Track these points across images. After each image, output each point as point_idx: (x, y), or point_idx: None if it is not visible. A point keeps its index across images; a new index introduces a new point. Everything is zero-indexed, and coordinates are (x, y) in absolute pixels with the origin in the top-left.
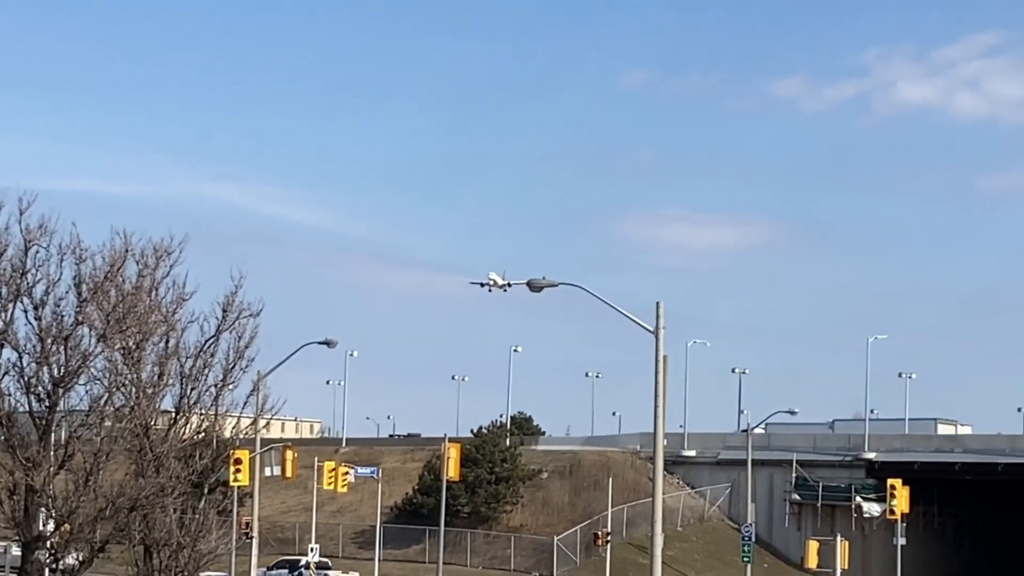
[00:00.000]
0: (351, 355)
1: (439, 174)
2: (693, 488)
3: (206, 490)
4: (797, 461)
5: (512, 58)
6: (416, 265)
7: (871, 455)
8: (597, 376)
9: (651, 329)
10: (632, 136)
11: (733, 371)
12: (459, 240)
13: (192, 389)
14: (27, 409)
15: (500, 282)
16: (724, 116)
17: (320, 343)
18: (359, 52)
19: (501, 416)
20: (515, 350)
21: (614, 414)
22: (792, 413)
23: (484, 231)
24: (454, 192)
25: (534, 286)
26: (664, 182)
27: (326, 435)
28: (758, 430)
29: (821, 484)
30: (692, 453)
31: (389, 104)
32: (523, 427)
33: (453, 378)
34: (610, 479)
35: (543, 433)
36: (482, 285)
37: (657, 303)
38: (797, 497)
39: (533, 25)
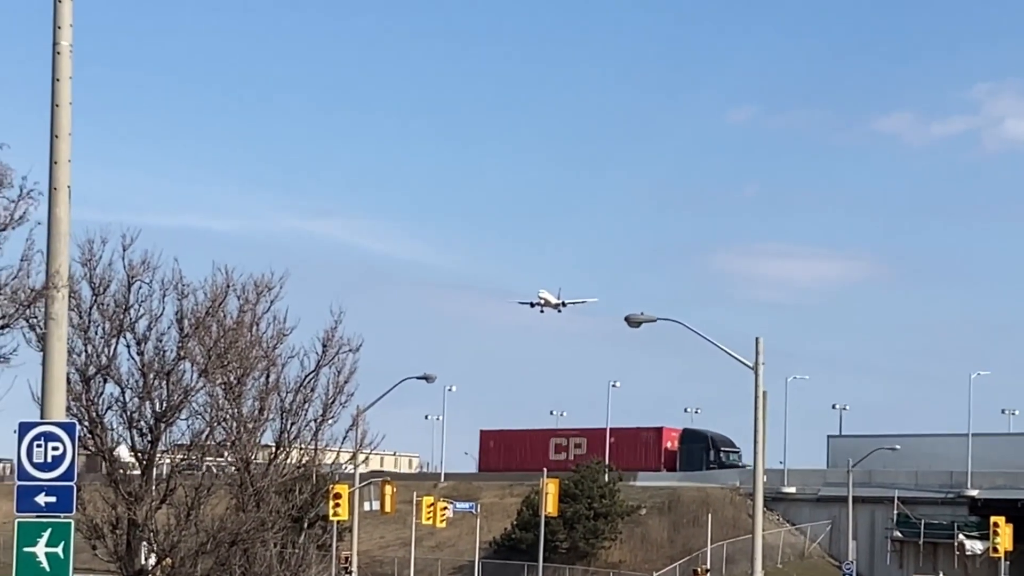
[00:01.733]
0: (449, 390)
1: (542, 209)
2: (793, 525)
3: (306, 525)
4: (899, 498)
5: (617, 94)
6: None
7: (974, 492)
8: (696, 412)
9: (750, 365)
10: (736, 171)
11: (833, 407)
12: (560, 275)
13: (292, 424)
14: (130, 443)
15: (553, 301)
16: (829, 151)
17: (419, 378)
18: (464, 89)
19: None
20: (613, 385)
21: None
22: (893, 450)
23: (586, 266)
24: (557, 227)
25: (632, 321)
26: (766, 217)
27: (425, 470)
28: (859, 467)
29: (923, 521)
30: (792, 489)
31: (493, 140)
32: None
33: (551, 413)
34: (709, 515)
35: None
36: (532, 305)
37: (756, 339)
38: (899, 534)
39: (639, 62)
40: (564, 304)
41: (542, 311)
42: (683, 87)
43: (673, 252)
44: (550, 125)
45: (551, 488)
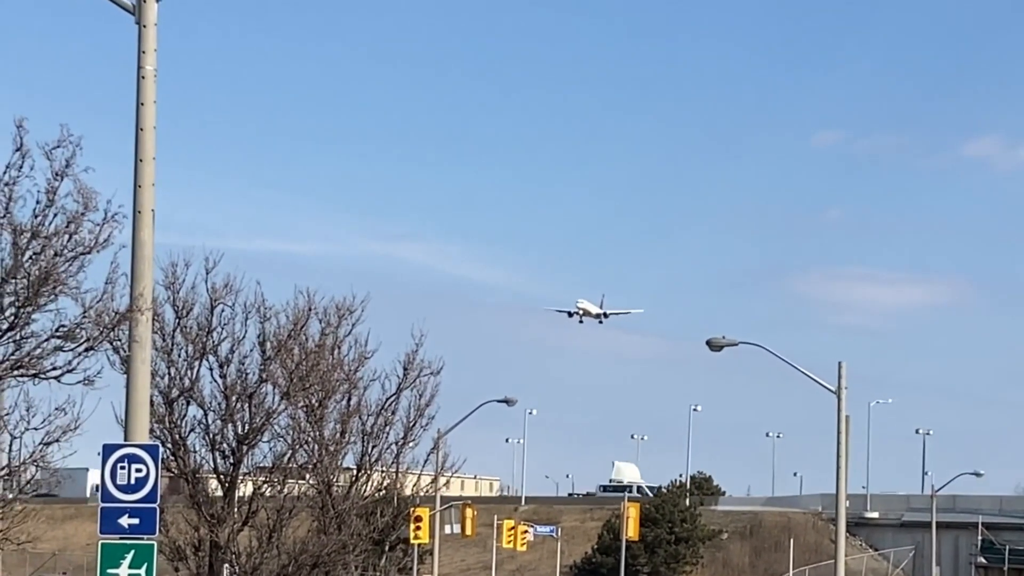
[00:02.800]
0: (530, 413)
1: (627, 234)
2: (876, 550)
3: (387, 548)
4: (983, 524)
5: (703, 119)
6: (596, 324)
7: None
8: (778, 436)
9: (833, 389)
10: (821, 195)
11: (917, 432)
12: (643, 300)
13: (373, 447)
14: (212, 466)
15: (593, 311)
16: (915, 175)
17: (499, 401)
18: (544, 115)
19: (681, 475)
20: (695, 409)
21: (795, 474)
22: (978, 475)
23: (669, 290)
24: (641, 252)
25: (714, 345)
26: (851, 241)
27: (505, 493)
28: (943, 492)
29: (1008, 547)
30: (875, 515)
31: (577, 164)
32: (703, 487)
33: (632, 437)
34: (791, 540)
35: (723, 493)
36: (570, 315)
37: (839, 363)
38: (983, 560)
39: (724, 86)
40: (606, 315)
41: (581, 321)
42: (769, 111)
43: (757, 276)
44: (632, 150)
45: (632, 512)
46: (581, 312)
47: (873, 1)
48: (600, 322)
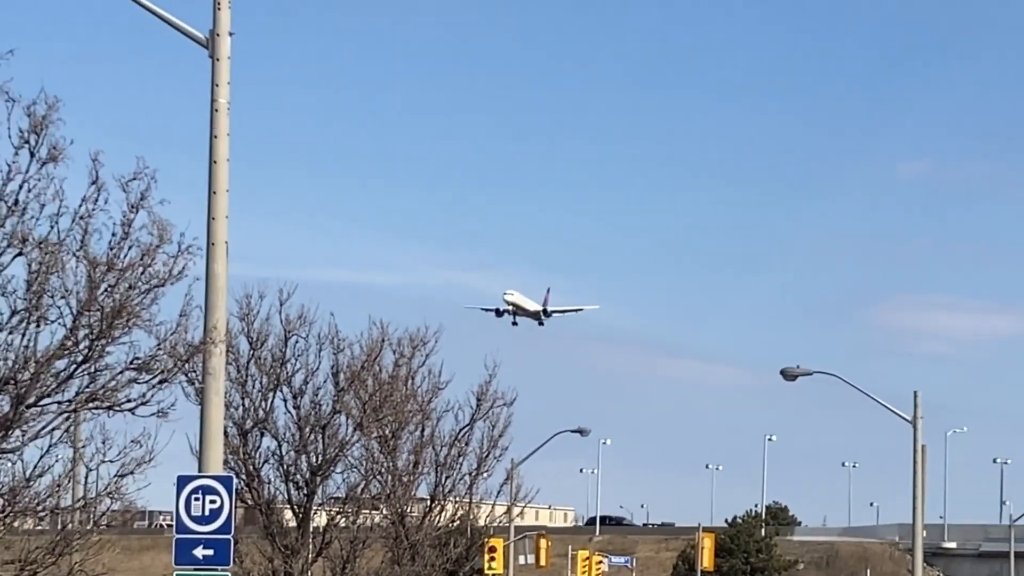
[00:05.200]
0: (604, 443)
1: (712, 266)
2: None
3: None
4: None
5: (788, 149)
6: (673, 355)
7: None
8: (854, 466)
9: (909, 419)
10: (908, 225)
11: (995, 461)
12: (726, 331)
13: (447, 477)
14: (286, 497)
15: (531, 307)
16: (1003, 203)
17: (573, 431)
18: (630, 147)
19: (756, 506)
20: (769, 439)
21: (872, 504)
22: None
23: (753, 322)
24: (725, 283)
25: (788, 375)
26: (936, 270)
27: (580, 523)
28: (1021, 521)
29: None
30: (953, 545)
31: (660, 195)
32: (778, 517)
33: (707, 467)
34: (868, 571)
35: (799, 523)
36: (498, 313)
37: (915, 393)
38: None
39: (810, 116)
40: (547, 312)
41: (515, 323)
42: (855, 140)
43: (840, 307)
44: (717, 183)
45: (707, 543)
46: (511, 309)
47: (960, 29)
48: (540, 323)
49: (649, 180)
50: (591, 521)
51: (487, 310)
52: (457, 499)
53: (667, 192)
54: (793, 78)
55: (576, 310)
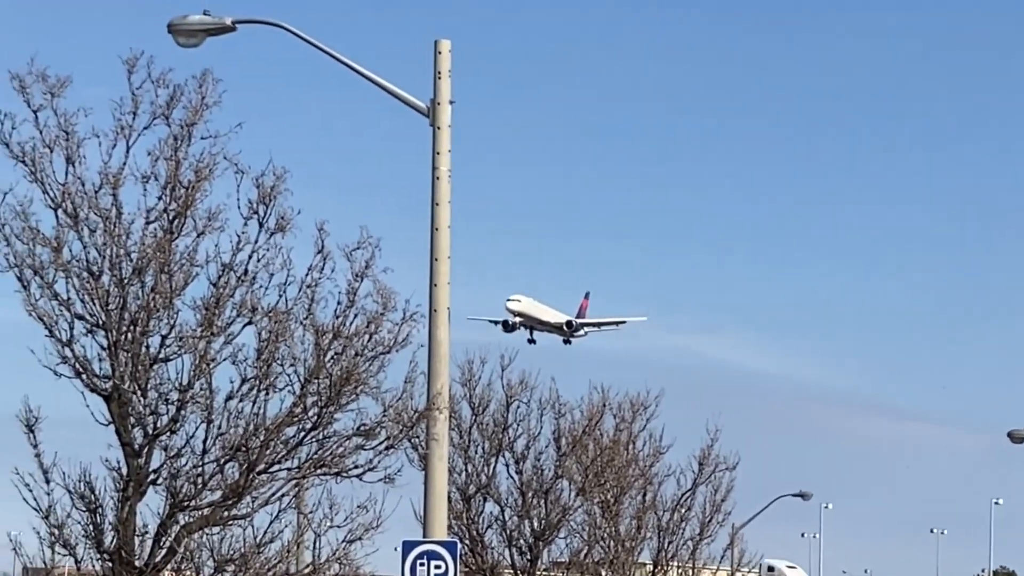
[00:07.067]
0: (826, 507)
1: (929, 323)
2: None
3: None
4: None
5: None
6: (893, 414)
7: None
8: None
9: None
10: None
11: None
12: (947, 392)
13: (669, 542)
14: (510, 562)
15: (550, 319)
16: None
17: (794, 495)
18: (852, 205)
19: (983, 571)
20: (996, 502)
21: None
22: None
23: (972, 381)
24: (943, 342)
25: (1015, 437)
26: None
27: None
28: None
29: None
30: None
31: (876, 255)
32: None
33: (931, 531)
34: None
35: None
36: (507, 327)
37: None
38: None
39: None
40: (573, 327)
41: (531, 339)
42: None
43: None
44: (932, 237)
45: None
46: (521, 321)
47: None
48: (566, 340)
49: (865, 240)
50: None
51: (495, 322)
52: (680, 564)
53: (883, 252)
54: (1001, 133)
55: (617, 323)
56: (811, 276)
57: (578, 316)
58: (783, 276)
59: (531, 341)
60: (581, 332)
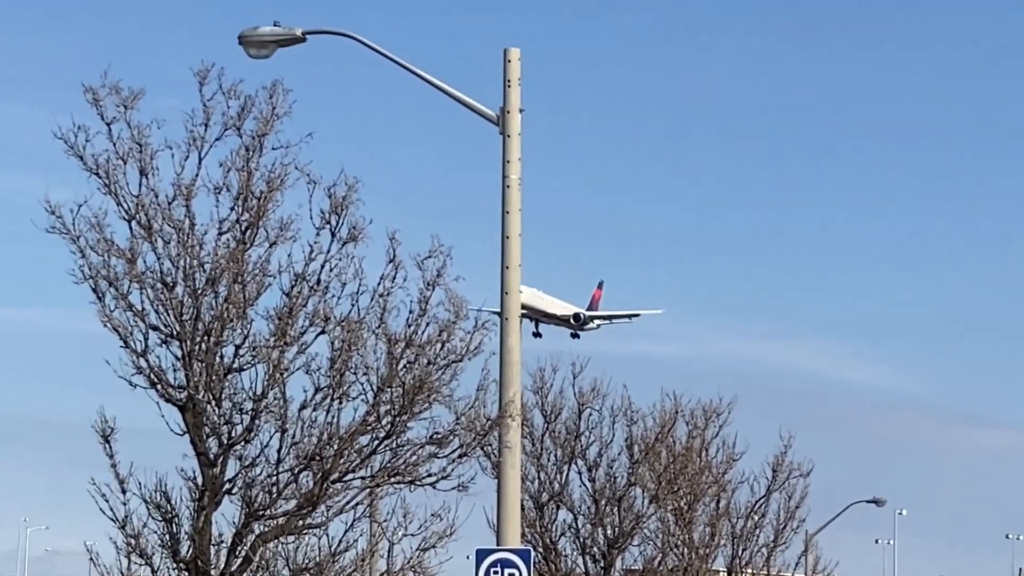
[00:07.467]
0: (900, 513)
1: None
2: None
3: None
4: None
5: None
6: (968, 421)
7: None
8: None
9: None
10: None
11: None
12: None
13: (744, 550)
14: (583, 570)
15: (556, 312)
16: None
17: (868, 502)
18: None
19: None
20: None
21: None
22: None
23: None
24: (1018, 350)
25: None
26: None
27: None
28: None
29: None
30: None
31: (955, 263)
32: None
33: (1007, 536)
34: None
35: None
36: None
37: None
38: None
39: None
40: (580, 319)
41: (537, 332)
42: None
43: None
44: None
45: None
46: (524, 312)
47: None
48: (574, 334)
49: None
50: None
51: (496, 312)
52: (755, 572)
53: (960, 255)
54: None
55: (631, 315)
56: (886, 283)
57: (590, 308)
58: (859, 284)
59: (537, 334)
60: (592, 325)
